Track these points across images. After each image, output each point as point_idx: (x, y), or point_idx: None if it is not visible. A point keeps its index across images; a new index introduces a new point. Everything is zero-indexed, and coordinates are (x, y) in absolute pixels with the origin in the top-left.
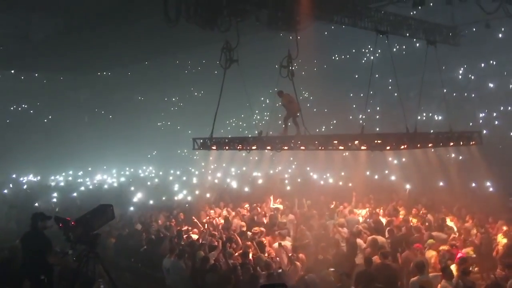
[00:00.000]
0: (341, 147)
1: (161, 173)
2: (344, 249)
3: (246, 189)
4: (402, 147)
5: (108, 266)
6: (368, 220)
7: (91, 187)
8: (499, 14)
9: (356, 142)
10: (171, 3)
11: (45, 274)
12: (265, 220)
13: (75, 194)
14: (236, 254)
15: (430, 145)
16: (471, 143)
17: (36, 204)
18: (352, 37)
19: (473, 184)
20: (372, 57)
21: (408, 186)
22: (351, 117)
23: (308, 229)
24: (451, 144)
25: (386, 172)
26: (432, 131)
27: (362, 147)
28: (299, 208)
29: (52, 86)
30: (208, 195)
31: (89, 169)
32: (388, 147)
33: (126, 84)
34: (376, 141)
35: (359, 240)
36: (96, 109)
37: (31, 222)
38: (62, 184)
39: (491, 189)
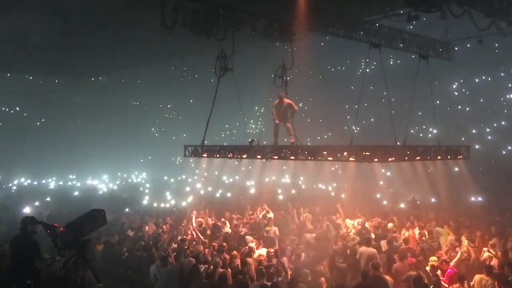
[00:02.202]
0: (330, 158)
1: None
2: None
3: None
4: (390, 159)
5: (96, 273)
6: (363, 231)
7: (82, 191)
8: (492, 30)
9: (345, 153)
10: (168, 10)
11: (32, 279)
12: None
13: (66, 200)
14: (228, 262)
15: (417, 158)
16: (458, 157)
17: (27, 208)
18: (348, 48)
19: (467, 198)
20: (367, 70)
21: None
22: (345, 128)
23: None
24: (439, 158)
25: (381, 183)
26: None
27: (351, 159)
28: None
29: (46, 89)
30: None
31: (81, 173)
32: (376, 159)
33: (121, 89)
34: (364, 153)
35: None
36: (89, 113)
37: (21, 225)
38: (52, 187)
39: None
